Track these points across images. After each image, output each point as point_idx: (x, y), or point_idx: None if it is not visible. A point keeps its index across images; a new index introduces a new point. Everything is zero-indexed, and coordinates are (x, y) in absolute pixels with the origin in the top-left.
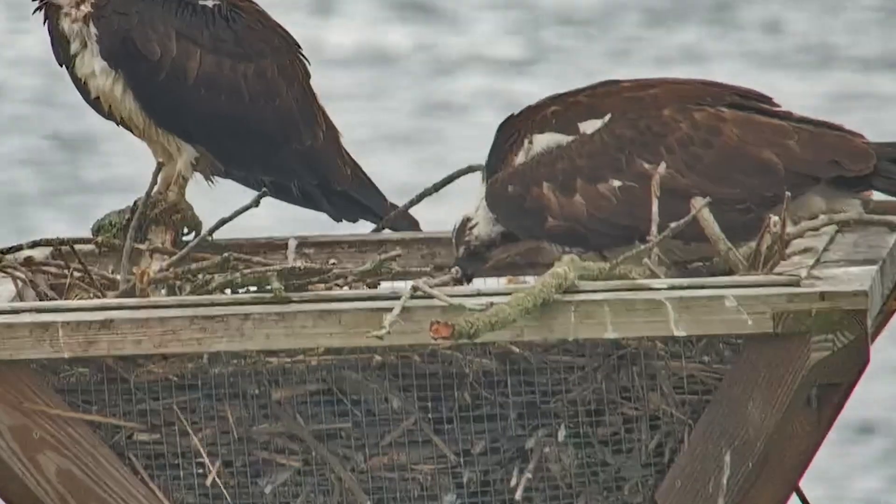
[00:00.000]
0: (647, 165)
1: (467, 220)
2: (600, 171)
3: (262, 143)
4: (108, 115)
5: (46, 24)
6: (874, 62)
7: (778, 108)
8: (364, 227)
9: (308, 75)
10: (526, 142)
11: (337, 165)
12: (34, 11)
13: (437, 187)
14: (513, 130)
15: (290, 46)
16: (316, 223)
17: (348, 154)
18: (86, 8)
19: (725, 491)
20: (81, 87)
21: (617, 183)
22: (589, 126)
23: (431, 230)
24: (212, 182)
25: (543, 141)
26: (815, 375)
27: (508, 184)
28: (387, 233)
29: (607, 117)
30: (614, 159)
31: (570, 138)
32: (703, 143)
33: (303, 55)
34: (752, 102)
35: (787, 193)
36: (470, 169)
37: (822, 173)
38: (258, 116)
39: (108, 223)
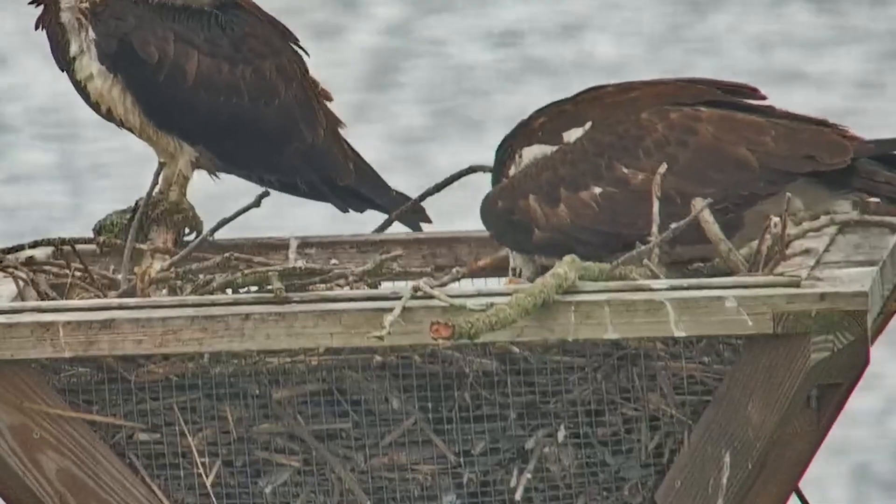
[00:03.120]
0: (625, 170)
1: (514, 270)
2: (582, 178)
3: (263, 144)
4: (108, 118)
5: (46, 28)
6: None
7: (761, 103)
8: (367, 225)
9: (307, 70)
10: (517, 156)
11: (339, 161)
12: (43, 26)
13: (438, 187)
14: (507, 147)
15: (287, 42)
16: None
17: (350, 147)
18: (87, 4)
19: (725, 491)
20: (81, 90)
21: (598, 189)
22: (572, 135)
23: (432, 230)
24: (216, 177)
25: (531, 153)
26: (815, 376)
27: (498, 199)
28: (388, 233)
29: (588, 125)
30: (594, 166)
31: (555, 148)
32: (678, 144)
33: (301, 47)
34: (733, 99)
35: (788, 195)
36: (471, 169)
37: (797, 168)
38: (258, 118)
39: (109, 223)
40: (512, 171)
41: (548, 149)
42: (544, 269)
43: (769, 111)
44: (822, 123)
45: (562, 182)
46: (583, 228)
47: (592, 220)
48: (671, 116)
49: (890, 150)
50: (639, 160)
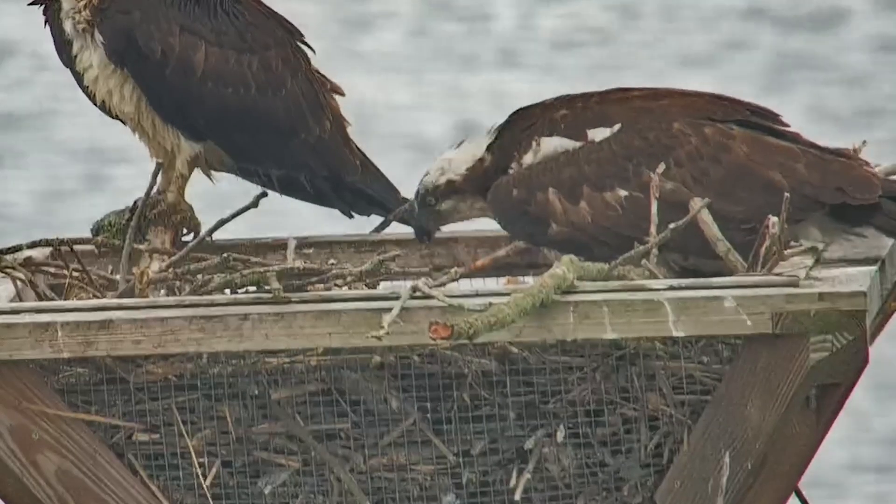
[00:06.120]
0: (654, 177)
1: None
2: (607, 179)
3: (270, 136)
4: (112, 114)
5: (48, 25)
6: None
7: (787, 129)
8: (372, 224)
9: (310, 64)
10: (534, 143)
11: (346, 157)
12: (45, 22)
13: None
14: (526, 124)
15: (291, 36)
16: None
17: (356, 146)
18: (89, 8)
19: (724, 491)
20: (84, 87)
21: (623, 193)
22: (598, 134)
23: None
24: (213, 180)
25: (551, 145)
26: (814, 376)
27: (513, 188)
28: (386, 233)
29: (617, 126)
30: (622, 169)
31: (578, 145)
32: (711, 159)
33: (306, 43)
34: (761, 121)
35: (786, 194)
36: None
37: (827, 199)
38: (265, 108)
39: (107, 223)
40: (528, 159)
41: (570, 143)
42: (452, 186)
43: (796, 138)
44: (846, 155)
45: (586, 180)
46: (603, 229)
47: (615, 222)
48: (705, 131)
49: None
50: (669, 169)
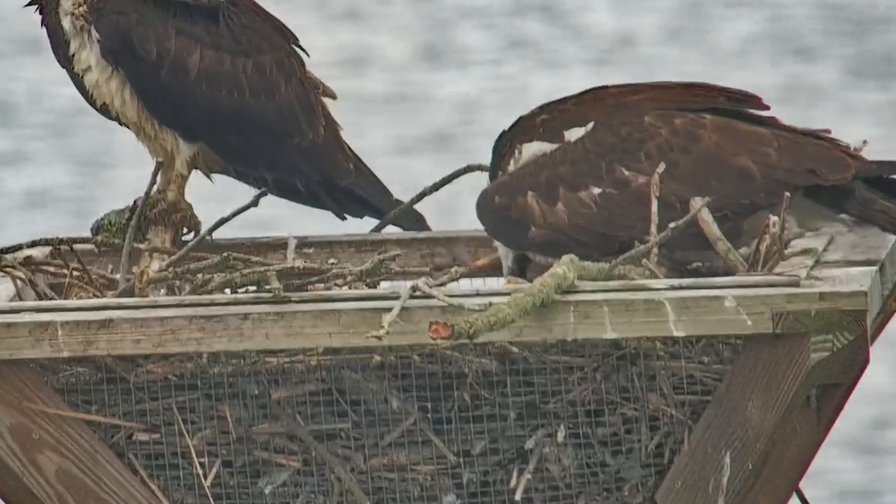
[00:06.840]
0: (626, 172)
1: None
2: (581, 178)
3: (263, 139)
4: (109, 115)
5: (44, 25)
6: None
7: (764, 113)
8: (367, 225)
9: (305, 68)
10: (516, 152)
11: (339, 160)
12: (43, 24)
13: (436, 186)
14: (506, 142)
15: (286, 40)
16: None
17: (350, 149)
18: (87, 3)
19: (725, 491)
20: (82, 87)
21: (597, 190)
22: (573, 134)
23: (431, 230)
24: (211, 179)
25: (530, 150)
26: (814, 376)
27: (495, 195)
28: (386, 233)
29: (590, 125)
30: (595, 167)
31: (555, 146)
32: (681, 150)
33: (300, 47)
34: (737, 107)
35: (787, 194)
36: (468, 169)
37: (800, 182)
38: (259, 112)
39: (107, 223)
40: (511, 167)
41: (548, 146)
42: (527, 263)
43: (772, 122)
44: (824, 138)
45: (561, 181)
46: (580, 228)
47: (590, 220)
48: (675, 122)
49: (890, 173)
50: (640, 163)
